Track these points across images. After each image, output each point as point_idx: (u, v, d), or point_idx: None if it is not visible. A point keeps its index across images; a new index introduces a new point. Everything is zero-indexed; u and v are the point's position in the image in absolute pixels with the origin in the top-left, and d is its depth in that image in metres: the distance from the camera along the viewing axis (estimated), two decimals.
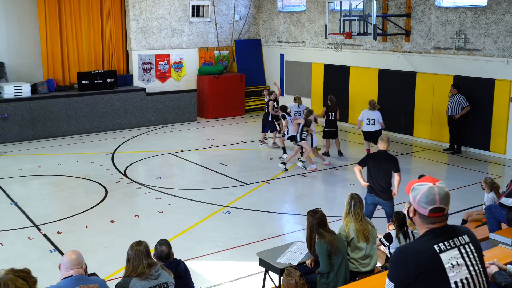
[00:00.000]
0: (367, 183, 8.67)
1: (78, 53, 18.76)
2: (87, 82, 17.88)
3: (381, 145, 8.67)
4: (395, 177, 8.53)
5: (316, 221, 6.17)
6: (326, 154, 14.54)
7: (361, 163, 8.75)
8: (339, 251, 6.07)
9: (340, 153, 14.65)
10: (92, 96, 17.75)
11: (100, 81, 18.09)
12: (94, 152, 15.19)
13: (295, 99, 15.08)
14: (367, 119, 13.76)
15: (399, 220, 6.74)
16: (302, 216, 9.79)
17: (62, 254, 8.42)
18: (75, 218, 10.21)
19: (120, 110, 18.26)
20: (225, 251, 8.68)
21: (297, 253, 6.82)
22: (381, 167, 8.54)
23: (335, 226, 6.95)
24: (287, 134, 13.96)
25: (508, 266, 4.27)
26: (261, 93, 18.41)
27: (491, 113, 14.30)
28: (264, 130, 15.80)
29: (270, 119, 15.42)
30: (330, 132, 14.56)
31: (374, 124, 13.74)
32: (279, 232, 9.55)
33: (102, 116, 17.95)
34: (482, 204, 8.87)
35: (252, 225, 9.87)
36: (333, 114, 14.47)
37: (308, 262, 6.47)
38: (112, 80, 18.37)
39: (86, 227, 9.73)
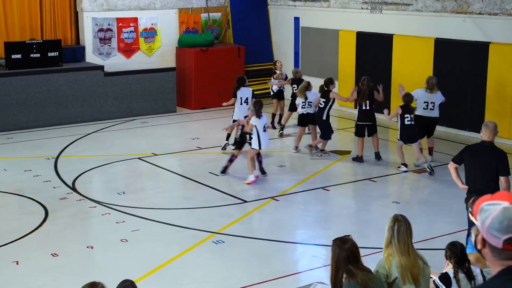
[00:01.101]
0: (467, 186, 8.95)
1: (5, 16, 18.76)
2: (18, 56, 17.89)
3: (485, 134, 8.87)
4: (502, 184, 8.66)
5: (345, 254, 6.16)
6: (359, 159, 14.55)
7: (456, 159, 9.10)
8: None
9: (378, 156, 14.66)
10: (26, 77, 17.75)
11: (38, 55, 18.11)
12: (29, 157, 15.18)
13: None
14: (425, 102, 14.14)
15: (457, 254, 6.69)
16: (325, 247, 9.79)
17: None
18: (2, 250, 10.16)
19: (67, 97, 18.27)
20: None
21: None
22: (481, 164, 8.78)
23: (371, 261, 6.93)
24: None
25: None
26: (272, 71, 18.45)
27: None
28: (326, 136, 15.35)
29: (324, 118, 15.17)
30: (366, 127, 14.57)
31: (433, 109, 14.14)
32: (292, 270, 9.53)
33: (42, 105, 17.95)
34: None
35: (253, 259, 9.86)
36: (367, 102, 14.48)
37: None
38: (56, 53, 18.38)
39: (17, 263, 9.69)
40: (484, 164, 8.77)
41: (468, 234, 8.58)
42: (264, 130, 13.25)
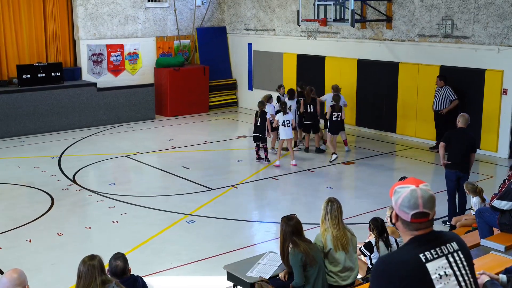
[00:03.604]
0: (448, 162, 9.88)
1: (17, 43, 18.47)
2: (28, 76, 17.63)
3: (461, 123, 9.90)
4: (471, 157, 9.90)
5: (290, 229, 6.19)
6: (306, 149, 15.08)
7: (444, 140, 10.03)
8: (315, 262, 6.10)
9: (319, 150, 14.87)
10: (34, 92, 17.49)
11: (44, 75, 17.87)
12: (37, 156, 14.97)
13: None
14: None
15: (378, 227, 6.80)
16: (275, 224, 9.82)
17: (1, 273, 8.28)
18: (16, 231, 10.02)
19: (67, 108, 18.05)
20: (188, 265, 8.65)
21: (269, 265, 6.83)
22: (458, 143, 9.80)
23: (312, 234, 6.99)
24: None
25: (501, 275, 4.33)
26: (225, 87, 18.38)
27: (481, 107, 14.56)
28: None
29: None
30: (309, 126, 14.83)
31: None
32: (249, 243, 9.55)
33: (47, 115, 17.70)
34: (469, 208, 9.07)
35: (218, 235, 9.85)
36: (311, 106, 14.71)
37: (281, 275, 6.48)
38: (58, 73, 18.14)
39: (30, 241, 9.58)
40: (460, 143, 9.76)
41: None
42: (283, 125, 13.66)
